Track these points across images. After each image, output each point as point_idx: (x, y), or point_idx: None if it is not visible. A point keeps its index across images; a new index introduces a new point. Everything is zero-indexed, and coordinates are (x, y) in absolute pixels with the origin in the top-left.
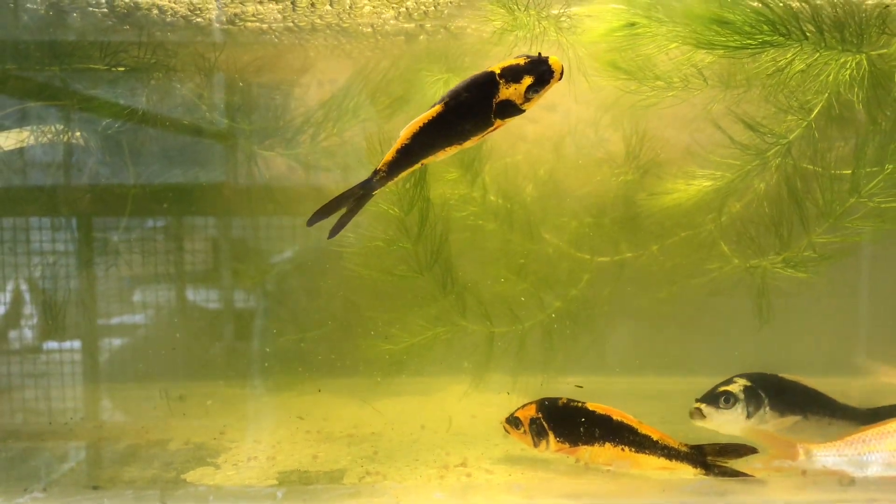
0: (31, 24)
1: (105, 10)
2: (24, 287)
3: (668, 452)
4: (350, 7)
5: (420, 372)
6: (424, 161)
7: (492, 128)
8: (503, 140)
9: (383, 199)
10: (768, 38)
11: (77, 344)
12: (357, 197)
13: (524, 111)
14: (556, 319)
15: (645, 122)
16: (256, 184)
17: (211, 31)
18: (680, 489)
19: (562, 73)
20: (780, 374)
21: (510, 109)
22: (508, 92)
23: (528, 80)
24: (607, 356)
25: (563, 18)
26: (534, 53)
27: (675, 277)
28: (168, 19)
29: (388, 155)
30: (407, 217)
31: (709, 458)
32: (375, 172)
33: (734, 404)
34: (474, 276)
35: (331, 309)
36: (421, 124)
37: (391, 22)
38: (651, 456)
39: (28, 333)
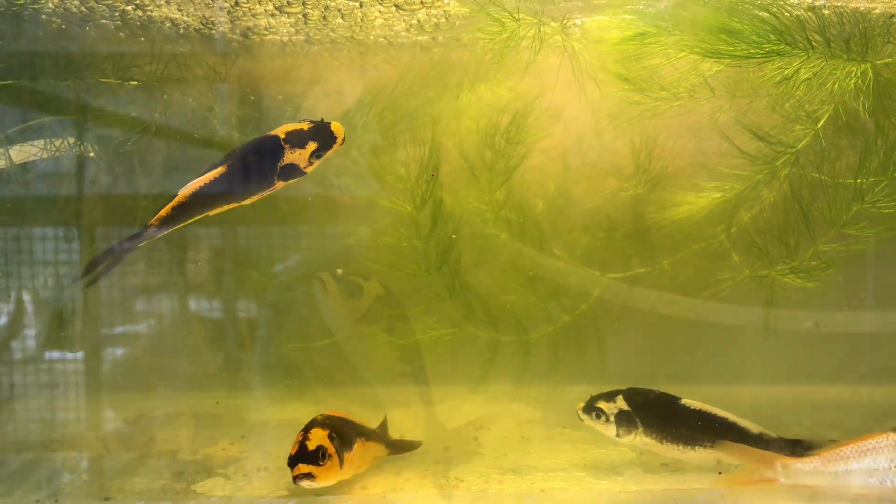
0: (43, 37)
1: (119, 22)
2: (26, 298)
3: (390, 442)
4: (361, 20)
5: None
6: (200, 216)
7: (273, 188)
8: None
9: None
10: (774, 48)
11: (82, 354)
12: (123, 249)
13: (307, 173)
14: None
15: (661, 132)
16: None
17: (223, 44)
18: (692, 499)
19: (343, 139)
20: (682, 400)
21: (294, 172)
22: (293, 157)
23: (312, 146)
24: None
25: (573, 29)
26: (316, 118)
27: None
28: (180, 31)
29: (163, 211)
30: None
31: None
32: (146, 227)
33: (605, 421)
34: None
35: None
36: (202, 184)
37: (403, 34)
38: (379, 444)
39: (39, 343)
